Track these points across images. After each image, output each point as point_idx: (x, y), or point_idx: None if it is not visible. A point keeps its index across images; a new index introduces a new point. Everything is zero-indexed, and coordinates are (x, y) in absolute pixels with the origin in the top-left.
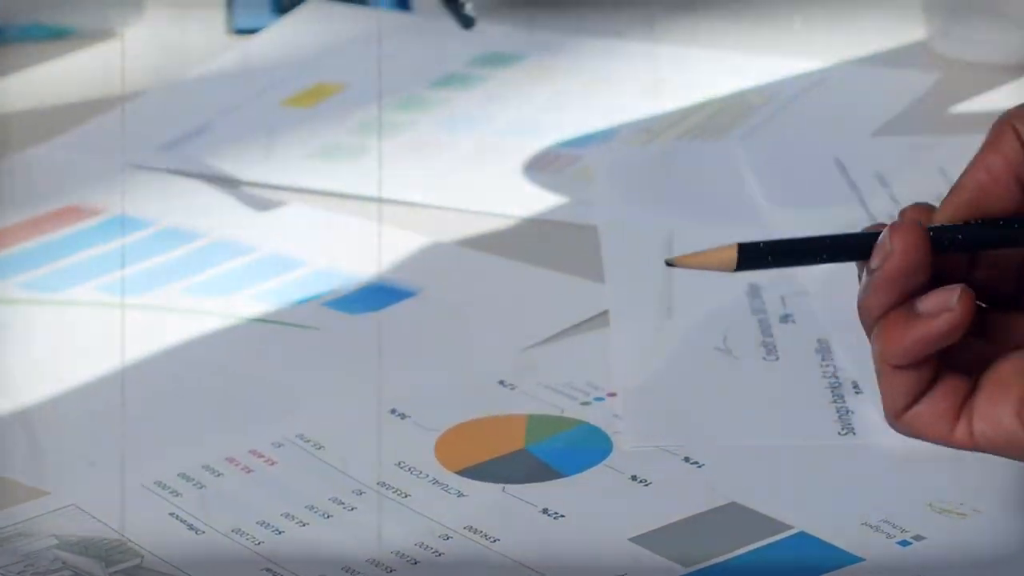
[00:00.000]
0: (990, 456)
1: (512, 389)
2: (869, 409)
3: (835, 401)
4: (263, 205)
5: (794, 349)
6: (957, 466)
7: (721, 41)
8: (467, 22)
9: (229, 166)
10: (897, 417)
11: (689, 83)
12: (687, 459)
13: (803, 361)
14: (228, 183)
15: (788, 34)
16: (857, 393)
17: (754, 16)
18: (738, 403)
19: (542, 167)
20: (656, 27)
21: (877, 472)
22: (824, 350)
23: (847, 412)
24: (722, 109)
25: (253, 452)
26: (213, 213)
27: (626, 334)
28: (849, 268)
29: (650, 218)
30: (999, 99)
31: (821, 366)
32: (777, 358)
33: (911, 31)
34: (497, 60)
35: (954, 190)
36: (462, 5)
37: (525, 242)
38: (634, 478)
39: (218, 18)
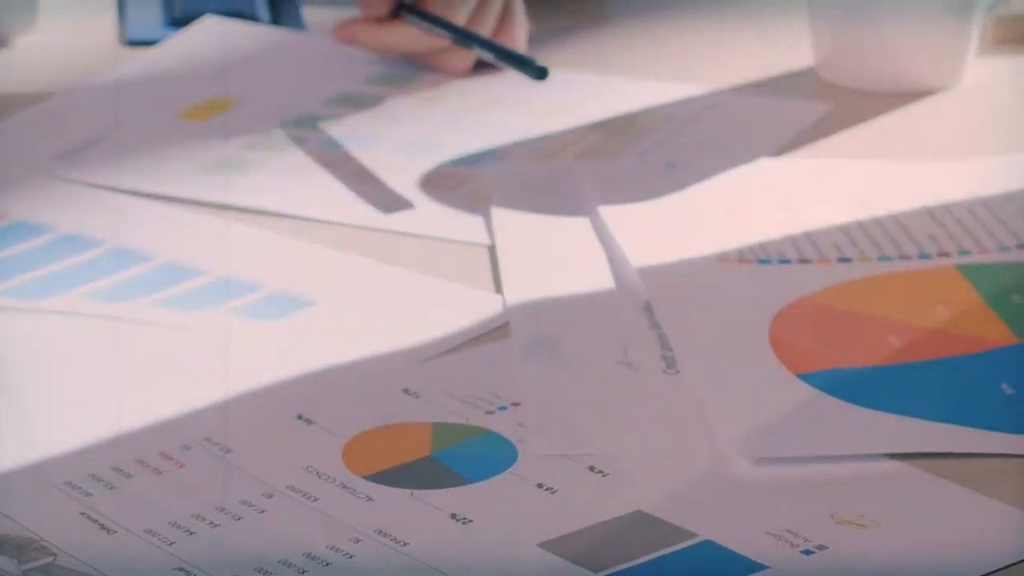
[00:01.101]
0: (893, 470)
1: (416, 398)
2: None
3: None
4: (160, 216)
5: (693, 362)
6: (858, 479)
7: (614, 65)
8: (541, 73)
9: (126, 177)
10: None
11: (582, 106)
12: (592, 468)
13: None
14: (125, 193)
15: (681, 60)
16: None
17: (646, 41)
18: (640, 414)
19: (436, 185)
20: (549, 50)
21: (780, 483)
22: None
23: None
24: (616, 131)
25: (163, 455)
26: (111, 222)
27: (528, 346)
28: None
29: (543, 233)
30: (888, 124)
31: None
32: (677, 372)
33: (800, 59)
34: (392, 80)
35: None
36: (532, 59)
37: (422, 256)
38: (540, 485)
39: (110, 30)
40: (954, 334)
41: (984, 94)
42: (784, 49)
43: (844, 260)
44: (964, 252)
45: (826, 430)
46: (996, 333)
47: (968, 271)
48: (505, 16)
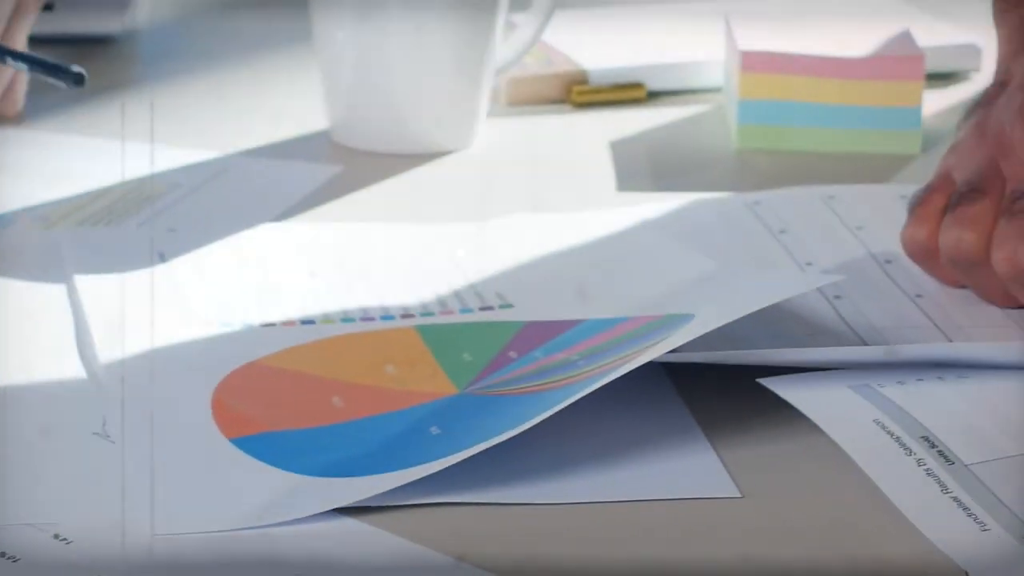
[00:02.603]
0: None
1: None
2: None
3: None
4: None
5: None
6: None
7: (126, 130)
8: (79, 80)
9: None
10: None
11: (87, 172)
12: (56, 536)
13: None
14: None
15: (194, 124)
16: None
17: (161, 106)
18: (111, 482)
19: None
20: (55, 115)
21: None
22: None
23: None
24: (121, 197)
25: None
26: None
27: None
28: None
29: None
30: (396, 186)
31: None
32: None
33: (316, 121)
34: None
35: None
36: (68, 65)
37: None
38: (3, 555)
39: None
40: (399, 391)
41: (495, 154)
42: (300, 111)
43: (308, 322)
44: (427, 314)
45: (245, 497)
46: (439, 387)
47: (426, 331)
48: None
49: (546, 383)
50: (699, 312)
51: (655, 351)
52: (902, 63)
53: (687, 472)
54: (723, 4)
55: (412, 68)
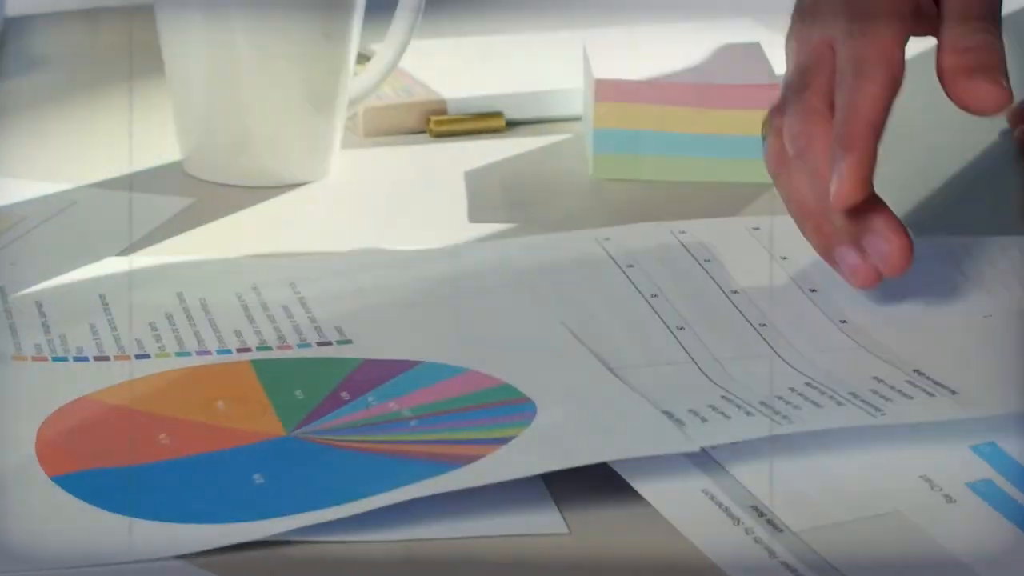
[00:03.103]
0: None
1: None
2: None
3: None
4: None
5: None
6: None
7: None
8: None
9: None
10: None
11: None
12: None
13: None
14: None
15: (44, 156)
16: None
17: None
18: None
19: None
20: None
21: None
22: None
23: None
24: None
25: None
26: None
27: None
28: None
29: None
30: (249, 218)
31: None
32: None
33: (170, 153)
34: None
35: None
36: None
37: None
38: None
39: None
40: (227, 429)
41: (349, 186)
42: (154, 142)
43: (143, 356)
44: (264, 348)
45: (63, 536)
46: (267, 426)
47: (261, 366)
48: None
49: (376, 443)
50: (542, 412)
51: (489, 471)
52: (755, 91)
53: (515, 506)
54: (585, 31)
55: (263, 99)
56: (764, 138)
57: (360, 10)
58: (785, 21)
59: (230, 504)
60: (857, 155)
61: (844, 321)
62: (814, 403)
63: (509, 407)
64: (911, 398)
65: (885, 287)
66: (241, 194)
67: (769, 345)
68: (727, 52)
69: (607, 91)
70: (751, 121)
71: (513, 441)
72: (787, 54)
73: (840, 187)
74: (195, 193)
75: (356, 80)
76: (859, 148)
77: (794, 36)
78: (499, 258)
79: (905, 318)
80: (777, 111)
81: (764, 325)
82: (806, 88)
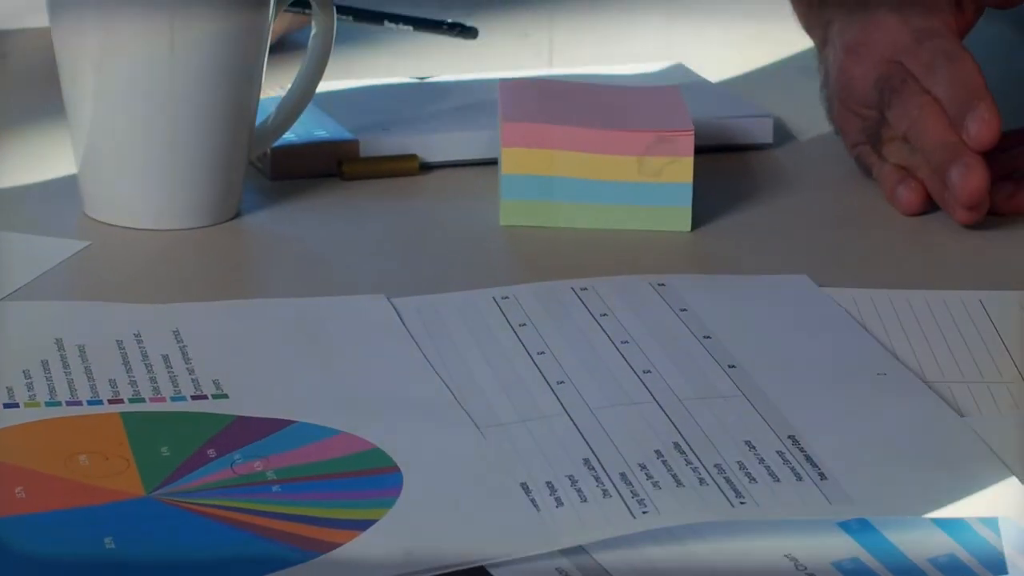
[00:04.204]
0: None
1: None
2: None
3: None
4: None
5: None
6: None
7: None
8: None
9: None
10: None
11: None
12: None
13: None
14: None
15: None
16: None
17: None
18: None
19: None
20: None
21: None
22: None
23: None
24: None
25: None
26: None
27: None
28: None
29: None
30: (140, 262)
31: None
32: None
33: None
34: None
35: None
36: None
37: None
38: None
39: None
40: (86, 486)
41: (252, 230)
42: (54, 183)
43: (11, 405)
44: (137, 400)
45: None
46: (126, 485)
47: (130, 420)
48: None
49: (234, 511)
50: (408, 487)
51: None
52: (670, 139)
53: None
54: (509, 73)
55: (164, 140)
56: (863, 165)
57: (264, 50)
58: (712, 58)
59: (76, 568)
60: (990, 100)
61: (732, 366)
62: (675, 479)
63: (375, 479)
64: (778, 480)
65: (786, 332)
66: (140, 236)
67: (649, 393)
68: (644, 96)
69: (514, 135)
70: (666, 169)
71: (373, 527)
72: (842, 99)
73: (983, 128)
74: (92, 236)
75: (264, 120)
76: (988, 97)
77: (847, 71)
78: (387, 314)
79: (796, 368)
80: (863, 134)
81: (648, 372)
82: (902, 87)
